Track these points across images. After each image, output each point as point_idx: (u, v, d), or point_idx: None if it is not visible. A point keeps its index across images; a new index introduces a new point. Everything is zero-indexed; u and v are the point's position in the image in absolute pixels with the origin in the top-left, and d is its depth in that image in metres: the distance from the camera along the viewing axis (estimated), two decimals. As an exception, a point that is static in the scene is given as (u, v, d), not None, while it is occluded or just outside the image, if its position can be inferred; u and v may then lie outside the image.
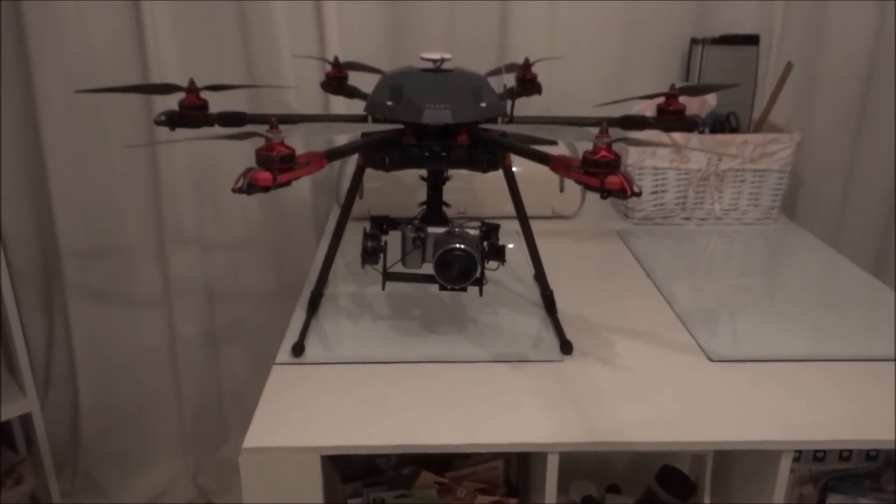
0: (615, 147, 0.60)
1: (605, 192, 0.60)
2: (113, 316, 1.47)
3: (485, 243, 0.81)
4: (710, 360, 0.81)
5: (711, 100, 1.24)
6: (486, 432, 0.68)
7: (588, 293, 0.97)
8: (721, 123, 1.25)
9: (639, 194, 0.59)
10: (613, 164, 0.60)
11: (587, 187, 0.61)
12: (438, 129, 0.76)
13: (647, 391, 0.75)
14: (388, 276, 0.82)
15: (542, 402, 0.73)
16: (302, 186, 1.39)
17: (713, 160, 1.18)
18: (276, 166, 0.59)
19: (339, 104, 1.28)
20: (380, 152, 0.75)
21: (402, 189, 1.15)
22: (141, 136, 1.33)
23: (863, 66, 1.34)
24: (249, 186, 0.58)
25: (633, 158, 1.18)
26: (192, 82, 0.81)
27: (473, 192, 1.21)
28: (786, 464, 0.69)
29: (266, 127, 0.60)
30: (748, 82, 1.29)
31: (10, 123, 1.32)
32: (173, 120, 0.81)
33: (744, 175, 1.20)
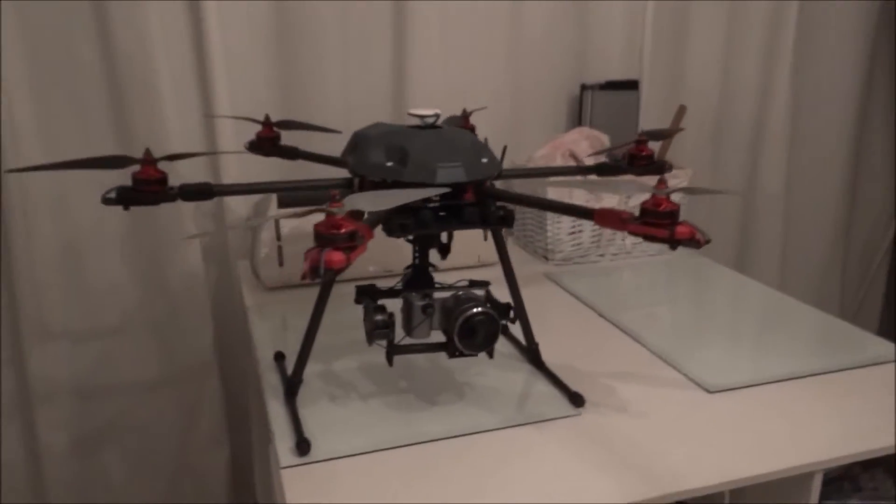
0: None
1: (675, 243, 0.59)
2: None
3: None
4: (709, 392, 0.84)
5: (606, 140, 1.31)
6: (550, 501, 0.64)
7: (559, 341, 0.96)
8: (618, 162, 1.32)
9: (710, 241, 0.59)
10: (677, 215, 0.60)
11: (652, 239, 0.61)
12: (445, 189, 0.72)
13: (673, 435, 0.75)
14: (396, 350, 0.75)
15: (585, 461, 0.70)
16: (191, 256, 1.25)
17: (623, 197, 1.24)
18: (345, 245, 0.51)
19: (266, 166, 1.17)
20: (397, 218, 0.68)
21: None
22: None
23: (713, 102, 1.51)
24: (327, 271, 0.49)
25: (552, 202, 1.21)
26: (147, 152, 0.68)
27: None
28: (817, 484, 0.72)
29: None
30: (631, 123, 1.38)
31: None
32: (126, 197, 0.68)
33: (647, 210, 1.27)
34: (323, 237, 0.51)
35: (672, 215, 0.59)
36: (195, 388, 1.33)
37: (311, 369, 0.88)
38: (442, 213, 0.71)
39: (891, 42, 1.67)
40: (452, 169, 0.69)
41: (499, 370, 0.88)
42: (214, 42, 1.16)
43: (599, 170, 0.88)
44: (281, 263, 1.10)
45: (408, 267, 0.80)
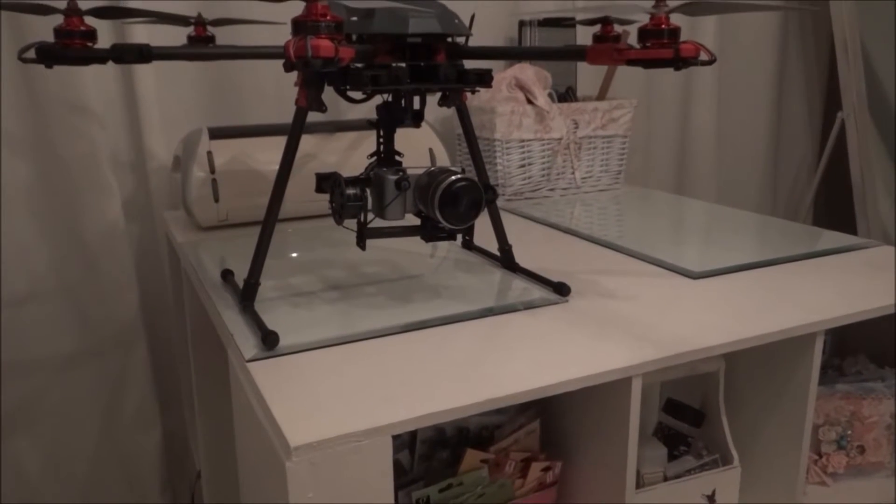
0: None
1: (681, 62, 0.55)
2: None
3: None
4: (693, 278, 0.80)
5: (548, 75, 1.28)
6: (556, 373, 0.58)
7: (527, 252, 0.91)
8: (562, 97, 1.29)
9: (715, 59, 0.55)
10: (679, 33, 0.56)
11: (654, 64, 0.56)
12: (415, 47, 0.65)
13: (667, 310, 0.71)
14: (368, 233, 0.67)
15: (586, 335, 0.64)
16: (110, 208, 1.12)
17: (571, 128, 1.21)
18: (333, 35, 0.44)
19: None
20: (368, 70, 0.61)
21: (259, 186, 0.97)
22: None
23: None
24: (314, 60, 0.42)
25: (501, 132, 1.16)
26: (72, 0, 0.59)
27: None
28: (819, 345, 0.69)
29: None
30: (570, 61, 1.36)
31: None
32: (49, 53, 0.58)
33: (595, 142, 1.25)
34: (306, 25, 0.44)
35: (675, 33, 0.55)
36: (119, 360, 1.19)
37: (265, 285, 0.78)
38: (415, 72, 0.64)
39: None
40: (425, 19, 0.63)
41: (472, 274, 0.82)
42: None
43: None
44: (216, 199, 1.00)
45: (371, 155, 0.72)
